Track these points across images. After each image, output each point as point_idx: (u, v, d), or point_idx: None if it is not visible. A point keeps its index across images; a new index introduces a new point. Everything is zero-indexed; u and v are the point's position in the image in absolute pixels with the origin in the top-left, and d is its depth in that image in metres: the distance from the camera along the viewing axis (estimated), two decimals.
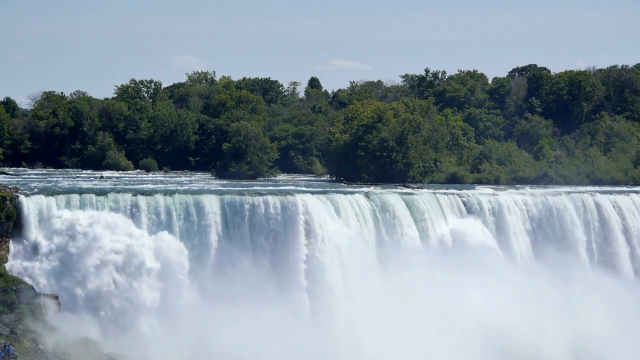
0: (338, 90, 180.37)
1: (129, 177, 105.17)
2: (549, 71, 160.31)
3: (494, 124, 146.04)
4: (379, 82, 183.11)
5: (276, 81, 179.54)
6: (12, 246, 62.53)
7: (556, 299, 72.40)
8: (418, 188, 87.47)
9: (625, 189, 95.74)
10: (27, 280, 60.63)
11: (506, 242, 78.17)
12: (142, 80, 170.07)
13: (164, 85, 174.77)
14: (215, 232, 67.65)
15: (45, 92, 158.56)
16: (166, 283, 64.27)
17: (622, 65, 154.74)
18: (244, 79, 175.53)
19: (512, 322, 68.06)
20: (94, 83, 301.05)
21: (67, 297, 61.54)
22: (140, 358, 59.83)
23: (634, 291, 77.40)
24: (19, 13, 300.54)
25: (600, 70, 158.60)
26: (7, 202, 62.23)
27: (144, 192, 68.73)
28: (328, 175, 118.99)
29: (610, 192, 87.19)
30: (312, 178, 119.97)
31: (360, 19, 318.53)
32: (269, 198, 69.71)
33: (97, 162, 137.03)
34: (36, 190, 67.52)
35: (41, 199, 64.49)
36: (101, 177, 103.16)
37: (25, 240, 63.09)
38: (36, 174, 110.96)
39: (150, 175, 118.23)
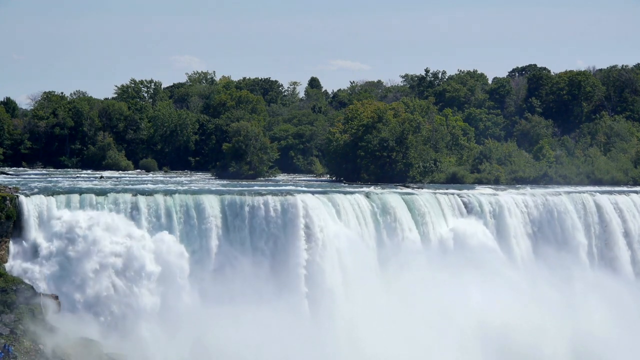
0: (338, 90, 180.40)
1: (129, 177, 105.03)
2: (549, 71, 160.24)
3: (494, 124, 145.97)
4: (379, 82, 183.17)
5: (276, 81, 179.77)
6: (12, 246, 62.20)
7: (556, 299, 72.33)
8: (418, 188, 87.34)
9: (625, 189, 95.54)
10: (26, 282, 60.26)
11: (506, 244, 77.83)
12: (142, 80, 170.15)
13: (164, 85, 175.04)
14: (216, 236, 67.18)
15: (45, 92, 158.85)
16: (166, 287, 63.82)
17: (622, 65, 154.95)
18: (244, 79, 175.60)
19: (512, 322, 67.92)
20: (94, 83, 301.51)
21: (67, 302, 61.04)
22: (140, 358, 59.75)
23: (634, 291, 77.34)
24: (19, 13, 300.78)
25: (600, 70, 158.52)
26: (7, 202, 62.04)
27: (144, 192, 68.32)
28: (328, 175, 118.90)
29: (611, 192, 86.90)
30: (312, 178, 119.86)
31: (360, 19, 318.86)
32: (269, 199, 69.20)
33: (97, 162, 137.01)
34: (36, 190, 67.08)
35: (41, 199, 64.07)
36: (101, 177, 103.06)
37: (24, 241, 62.71)
38: (36, 174, 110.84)
39: (150, 175, 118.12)
